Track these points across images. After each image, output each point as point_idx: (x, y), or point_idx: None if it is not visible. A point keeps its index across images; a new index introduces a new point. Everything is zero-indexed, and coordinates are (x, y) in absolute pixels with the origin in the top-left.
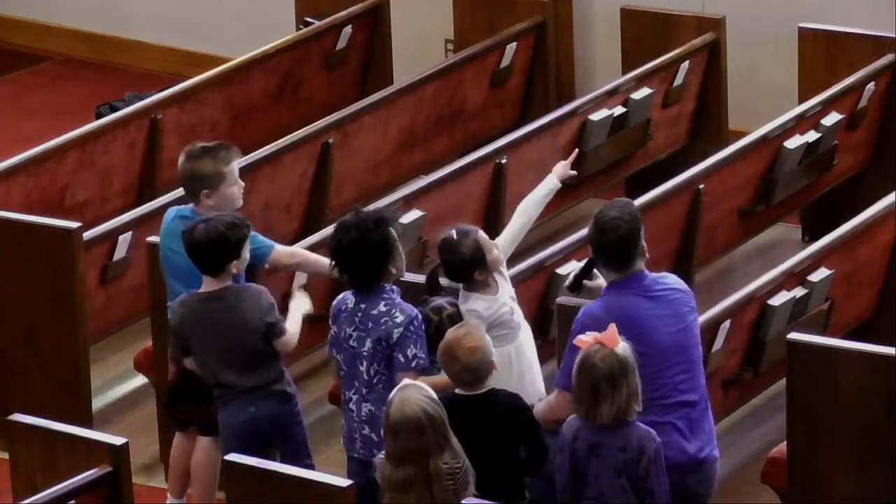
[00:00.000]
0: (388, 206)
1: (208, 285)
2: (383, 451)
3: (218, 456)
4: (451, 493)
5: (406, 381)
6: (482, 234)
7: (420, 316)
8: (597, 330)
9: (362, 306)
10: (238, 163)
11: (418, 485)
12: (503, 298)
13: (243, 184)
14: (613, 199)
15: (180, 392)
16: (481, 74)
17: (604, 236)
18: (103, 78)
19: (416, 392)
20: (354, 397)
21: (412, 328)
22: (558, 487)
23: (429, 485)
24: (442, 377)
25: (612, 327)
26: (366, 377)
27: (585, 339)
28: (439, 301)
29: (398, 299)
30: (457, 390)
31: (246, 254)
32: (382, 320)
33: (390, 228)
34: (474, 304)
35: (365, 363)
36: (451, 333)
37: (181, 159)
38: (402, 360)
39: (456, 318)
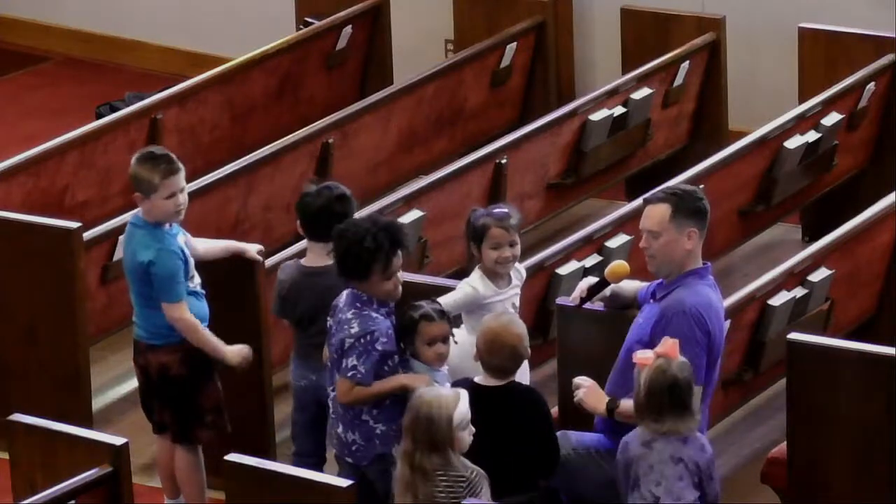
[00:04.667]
0: (388, 206)
1: (312, 256)
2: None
3: (198, 459)
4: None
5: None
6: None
7: (375, 333)
8: (717, 319)
9: (343, 307)
10: (180, 180)
11: (409, 463)
12: (506, 302)
13: (184, 201)
14: None
15: (148, 393)
16: (481, 74)
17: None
18: (103, 78)
19: (446, 393)
20: (332, 394)
21: (362, 341)
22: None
23: (418, 472)
24: (381, 385)
25: (671, 341)
26: (335, 378)
27: (646, 357)
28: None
29: (367, 311)
30: (477, 378)
31: None
32: (344, 326)
33: (378, 254)
34: (477, 283)
35: (333, 364)
36: (491, 321)
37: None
38: (343, 365)
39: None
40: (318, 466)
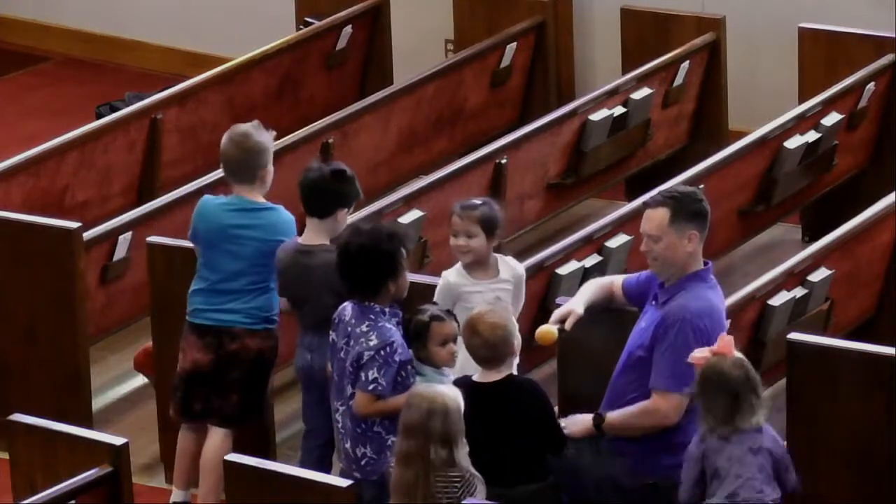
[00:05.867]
0: (388, 206)
1: (308, 234)
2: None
3: (230, 450)
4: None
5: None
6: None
7: (395, 343)
8: (719, 321)
9: (353, 321)
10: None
11: (417, 462)
12: (487, 293)
13: None
14: None
15: (199, 379)
16: (481, 74)
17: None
18: (103, 78)
19: (448, 389)
20: (341, 409)
21: (382, 353)
22: (681, 496)
23: (426, 470)
24: (398, 399)
25: (727, 338)
26: (346, 394)
27: (701, 356)
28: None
29: (382, 322)
30: (475, 377)
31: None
32: (360, 340)
33: (403, 247)
34: (451, 273)
35: (346, 379)
36: (475, 310)
37: (235, 139)
38: (362, 379)
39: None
40: (327, 447)
